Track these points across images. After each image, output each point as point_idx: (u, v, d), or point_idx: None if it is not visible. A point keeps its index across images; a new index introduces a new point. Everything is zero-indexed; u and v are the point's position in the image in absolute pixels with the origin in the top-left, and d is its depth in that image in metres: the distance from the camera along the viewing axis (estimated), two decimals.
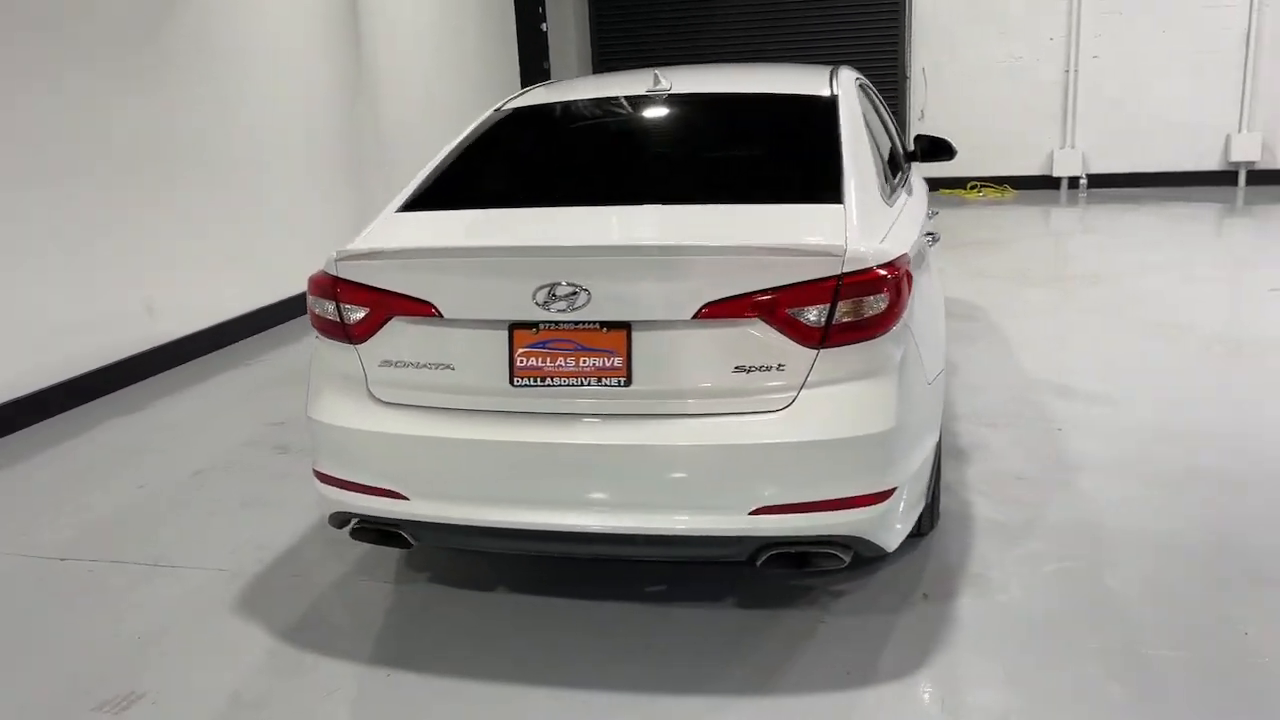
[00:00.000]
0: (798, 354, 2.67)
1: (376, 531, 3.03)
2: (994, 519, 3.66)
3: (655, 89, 3.70)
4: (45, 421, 5.26)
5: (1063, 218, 10.61)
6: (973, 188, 11.77)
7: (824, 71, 3.98)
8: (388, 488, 2.90)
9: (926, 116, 11.83)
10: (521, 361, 2.78)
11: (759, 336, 2.67)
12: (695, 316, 2.66)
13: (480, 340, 2.82)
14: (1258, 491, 3.83)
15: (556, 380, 2.77)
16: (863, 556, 2.87)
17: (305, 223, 7.40)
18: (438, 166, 3.52)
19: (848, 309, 2.65)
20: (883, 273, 2.68)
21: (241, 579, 3.52)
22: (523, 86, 11.97)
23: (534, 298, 2.72)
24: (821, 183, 3.09)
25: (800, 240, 2.73)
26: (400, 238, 3.08)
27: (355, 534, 3.08)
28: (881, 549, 2.81)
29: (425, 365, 2.87)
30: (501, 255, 2.82)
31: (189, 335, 6.34)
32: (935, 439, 3.16)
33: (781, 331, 2.66)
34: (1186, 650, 2.84)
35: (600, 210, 3.15)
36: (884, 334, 2.70)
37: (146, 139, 5.97)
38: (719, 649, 2.96)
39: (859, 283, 2.65)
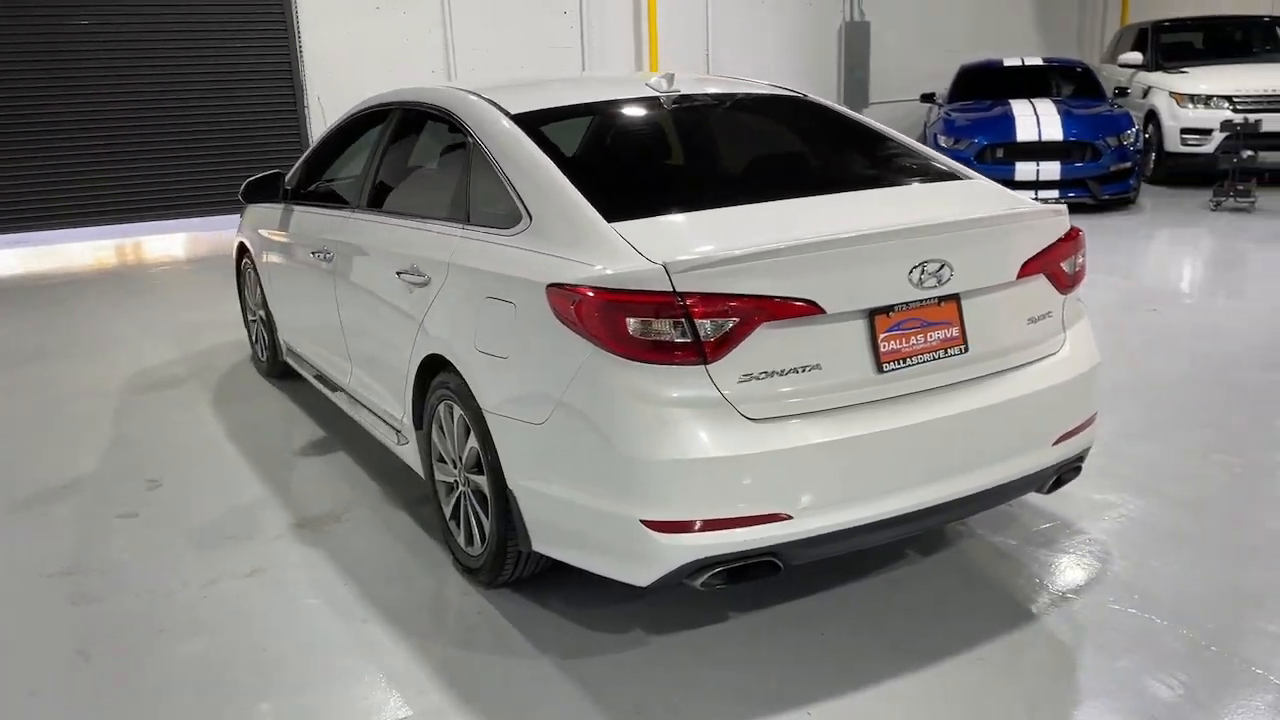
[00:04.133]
0: (1057, 301, 3.12)
1: (732, 571, 2.67)
2: None
3: (668, 91, 3.63)
4: None
5: None
6: None
7: (730, 78, 4.34)
8: (770, 512, 2.63)
9: None
10: (885, 346, 2.76)
11: (1040, 289, 3.06)
12: (1017, 276, 2.95)
13: (845, 332, 2.73)
14: None
15: (913, 360, 2.81)
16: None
17: None
18: (585, 177, 3.06)
19: (1079, 260, 3.17)
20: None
21: None
22: None
23: (909, 278, 2.74)
24: (934, 163, 3.50)
25: (1044, 203, 3.18)
26: (721, 240, 2.72)
27: (708, 583, 2.66)
28: None
29: (794, 370, 2.66)
30: (879, 241, 2.74)
31: None
32: None
33: (1052, 282, 3.08)
34: None
35: (845, 196, 3.14)
36: (1083, 279, 3.28)
37: None
38: (1012, 608, 3.20)
39: (1079, 237, 3.19)
